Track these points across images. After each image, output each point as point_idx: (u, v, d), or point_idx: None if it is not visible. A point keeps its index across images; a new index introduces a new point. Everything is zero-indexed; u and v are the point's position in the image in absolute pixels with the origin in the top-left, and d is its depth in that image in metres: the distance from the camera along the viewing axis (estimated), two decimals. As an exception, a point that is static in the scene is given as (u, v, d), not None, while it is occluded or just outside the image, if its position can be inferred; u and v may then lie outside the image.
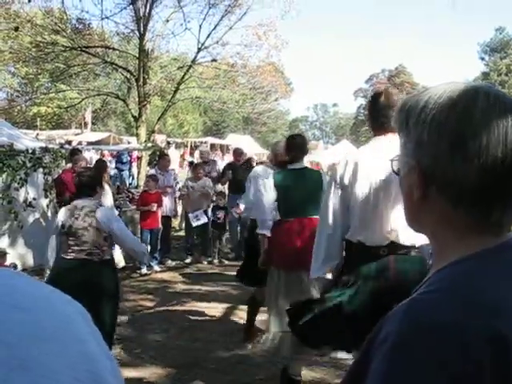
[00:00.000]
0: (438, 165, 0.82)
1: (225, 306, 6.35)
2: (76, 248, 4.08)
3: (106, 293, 4.10)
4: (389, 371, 0.73)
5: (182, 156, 21.64)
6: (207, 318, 5.85)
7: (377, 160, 2.74)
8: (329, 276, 3.31)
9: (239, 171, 9.03)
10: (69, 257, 4.09)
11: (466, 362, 0.69)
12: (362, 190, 2.95)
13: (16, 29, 13.07)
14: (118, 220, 4.56)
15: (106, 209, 4.46)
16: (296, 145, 4.46)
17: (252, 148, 23.48)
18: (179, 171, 15.22)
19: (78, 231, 4.05)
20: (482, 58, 54.94)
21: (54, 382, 0.44)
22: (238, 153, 10.30)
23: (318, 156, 22.41)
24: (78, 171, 4.91)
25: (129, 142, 21.40)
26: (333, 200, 3.10)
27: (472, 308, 0.73)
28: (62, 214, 4.24)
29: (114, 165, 16.98)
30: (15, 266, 6.93)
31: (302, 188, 4.33)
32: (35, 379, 0.43)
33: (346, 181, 3.04)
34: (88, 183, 4.25)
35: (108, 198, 7.42)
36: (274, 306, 4.25)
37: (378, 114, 2.99)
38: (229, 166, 10.12)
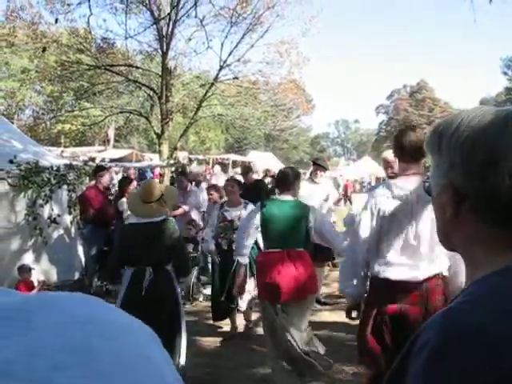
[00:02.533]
0: (470, 184, 0.86)
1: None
2: None
3: None
4: (425, 380, 0.74)
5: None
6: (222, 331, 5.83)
7: None
8: None
9: (245, 193, 7.29)
10: None
11: (498, 371, 0.69)
12: None
13: (43, 50, 13.33)
14: None
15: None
16: (279, 179, 4.53)
17: (274, 165, 23.53)
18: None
19: None
20: (505, 73, 54.52)
21: None
22: (243, 172, 9.25)
23: (340, 172, 22.39)
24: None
25: (151, 159, 21.61)
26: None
27: (502, 320, 0.74)
28: None
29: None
30: (44, 282, 6.99)
31: (282, 220, 4.25)
32: None
33: None
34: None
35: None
36: (270, 339, 4.22)
37: None
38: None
